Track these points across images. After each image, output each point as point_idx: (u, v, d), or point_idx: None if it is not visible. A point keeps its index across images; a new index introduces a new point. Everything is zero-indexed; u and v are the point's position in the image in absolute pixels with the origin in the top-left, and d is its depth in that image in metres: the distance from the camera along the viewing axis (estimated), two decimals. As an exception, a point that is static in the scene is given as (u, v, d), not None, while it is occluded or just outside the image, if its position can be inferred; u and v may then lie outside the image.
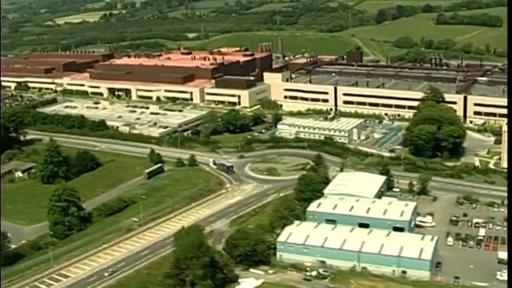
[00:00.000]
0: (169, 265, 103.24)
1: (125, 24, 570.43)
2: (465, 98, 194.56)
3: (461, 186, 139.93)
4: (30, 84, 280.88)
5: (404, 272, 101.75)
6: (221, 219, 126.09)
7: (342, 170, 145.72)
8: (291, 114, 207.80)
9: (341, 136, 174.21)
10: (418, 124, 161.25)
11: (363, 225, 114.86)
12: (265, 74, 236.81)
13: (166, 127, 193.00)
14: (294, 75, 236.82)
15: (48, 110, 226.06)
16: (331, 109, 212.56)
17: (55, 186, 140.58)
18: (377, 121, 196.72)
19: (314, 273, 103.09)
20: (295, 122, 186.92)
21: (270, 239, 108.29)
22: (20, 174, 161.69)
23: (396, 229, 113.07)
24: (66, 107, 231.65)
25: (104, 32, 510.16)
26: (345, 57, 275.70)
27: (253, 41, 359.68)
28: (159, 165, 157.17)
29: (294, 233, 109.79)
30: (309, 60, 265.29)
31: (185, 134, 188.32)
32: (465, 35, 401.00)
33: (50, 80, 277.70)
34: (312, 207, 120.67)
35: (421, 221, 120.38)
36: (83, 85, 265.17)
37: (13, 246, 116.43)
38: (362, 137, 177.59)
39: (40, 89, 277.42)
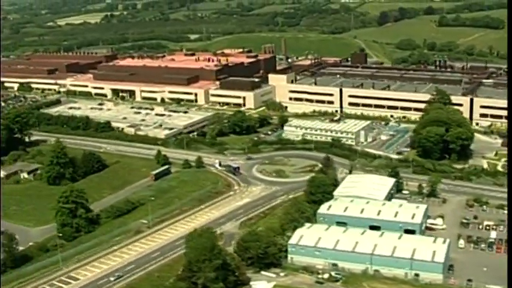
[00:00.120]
0: (179, 268, 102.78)
1: (127, 25, 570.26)
2: (471, 100, 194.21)
3: (470, 188, 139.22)
4: (33, 85, 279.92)
5: (417, 274, 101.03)
6: (230, 221, 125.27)
7: (350, 172, 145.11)
8: (297, 116, 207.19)
9: (348, 138, 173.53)
10: (425, 126, 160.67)
11: (373, 228, 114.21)
12: (270, 76, 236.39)
13: (171, 128, 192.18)
14: (298, 77, 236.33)
15: (52, 111, 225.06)
16: (336, 111, 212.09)
17: (61, 188, 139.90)
18: (383, 123, 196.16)
19: (326, 276, 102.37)
20: (301, 123, 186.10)
21: (281, 242, 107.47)
22: (25, 175, 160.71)
23: (407, 231, 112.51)
24: (70, 108, 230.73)
25: (105, 33, 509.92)
26: (349, 59, 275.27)
27: (255, 42, 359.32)
28: (166, 166, 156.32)
29: (305, 235, 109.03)
30: (313, 62, 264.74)
31: (191, 135, 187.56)
32: (467, 37, 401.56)
33: (53, 81, 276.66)
34: (323, 209, 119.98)
35: (432, 224, 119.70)
36: (86, 86, 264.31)
37: (21, 248, 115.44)
38: (369, 139, 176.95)
39: (43, 89, 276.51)
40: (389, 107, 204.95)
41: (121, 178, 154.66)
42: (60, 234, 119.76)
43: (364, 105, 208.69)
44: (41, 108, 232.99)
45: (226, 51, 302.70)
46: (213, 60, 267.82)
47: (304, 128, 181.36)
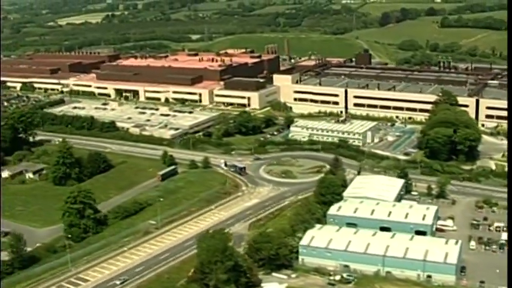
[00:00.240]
0: (189, 269, 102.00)
1: (128, 25, 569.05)
2: (477, 101, 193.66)
3: (479, 189, 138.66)
4: (35, 85, 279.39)
5: (429, 276, 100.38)
6: (239, 222, 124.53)
7: (359, 173, 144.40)
8: (302, 116, 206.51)
9: (355, 139, 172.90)
10: (433, 127, 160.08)
11: (384, 229, 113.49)
12: (275, 76, 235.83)
13: (177, 129, 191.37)
14: (302, 78, 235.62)
15: (56, 110, 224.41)
16: (341, 111, 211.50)
17: (67, 188, 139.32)
18: (389, 124, 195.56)
19: (338, 277, 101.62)
20: (307, 124, 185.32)
21: (291, 243, 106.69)
22: (31, 175, 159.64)
23: (418, 233, 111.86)
24: (74, 107, 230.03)
25: (106, 33, 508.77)
26: (353, 59, 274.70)
27: (257, 43, 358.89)
28: (172, 167, 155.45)
29: (316, 236, 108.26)
30: (317, 62, 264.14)
31: (197, 135, 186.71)
32: (470, 38, 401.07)
33: (55, 81, 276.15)
34: (332, 210, 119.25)
35: (442, 225, 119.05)
36: (89, 86, 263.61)
37: (28, 249, 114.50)
38: (376, 140, 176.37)
39: (46, 89, 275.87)
40: (395, 108, 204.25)
41: (127, 178, 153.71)
42: (70, 236, 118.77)
43: (369, 106, 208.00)
44: (44, 108, 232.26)
45: (229, 51, 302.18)
46: (216, 61, 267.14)
47: (310, 129, 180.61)
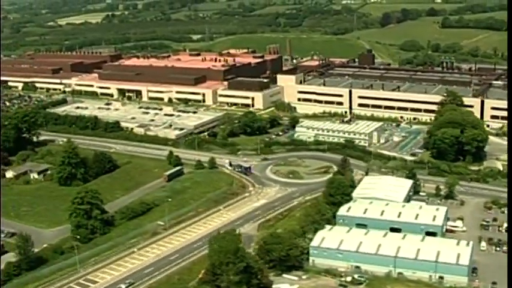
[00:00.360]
0: (199, 270, 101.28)
1: (128, 25, 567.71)
2: (482, 102, 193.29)
3: (487, 190, 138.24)
4: (37, 85, 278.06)
5: (441, 277, 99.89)
6: (248, 223, 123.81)
7: (367, 174, 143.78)
8: (306, 116, 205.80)
9: (361, 139, 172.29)
10: (440, 127, 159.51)
11: (394, 230, 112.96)
12: (279, 76, 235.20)
13: (182, 129, 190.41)
14: (306, 78, 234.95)
15: (59, 110, 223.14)
16: (345, 112, 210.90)
17: (72, 189, 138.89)
18: (394, 124, 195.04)
19: (349, 278, 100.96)
20: (313, 124, 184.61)
21: (302, 244, 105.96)
22: (35, 175, 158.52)
23: (428, 234, 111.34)
24: (77, 107, 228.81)
25: (106, 33, 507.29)
26: (356, 60, 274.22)
27: (258, 43, 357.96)
28: (179, 167, 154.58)
29: (327, 237, 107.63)
30: (321, 62, 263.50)
31: (201, 135, 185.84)
32: (471, 38, 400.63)
33: (57, 81, 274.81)
34: (342, 211, 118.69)
35: (452, 226, 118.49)
36: (92, 86, 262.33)
37: (36, 250, 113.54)
38: (382, 140, 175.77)
39: (48, 89, 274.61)
40: (400, 108, 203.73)
41: (133, 179, 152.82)
42: (78, 236, 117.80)
43: (374, 106, 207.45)
44: (47, 107, 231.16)
45: (231, 51, 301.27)
46: (219, 61, 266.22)
47: (316, 129, 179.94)
